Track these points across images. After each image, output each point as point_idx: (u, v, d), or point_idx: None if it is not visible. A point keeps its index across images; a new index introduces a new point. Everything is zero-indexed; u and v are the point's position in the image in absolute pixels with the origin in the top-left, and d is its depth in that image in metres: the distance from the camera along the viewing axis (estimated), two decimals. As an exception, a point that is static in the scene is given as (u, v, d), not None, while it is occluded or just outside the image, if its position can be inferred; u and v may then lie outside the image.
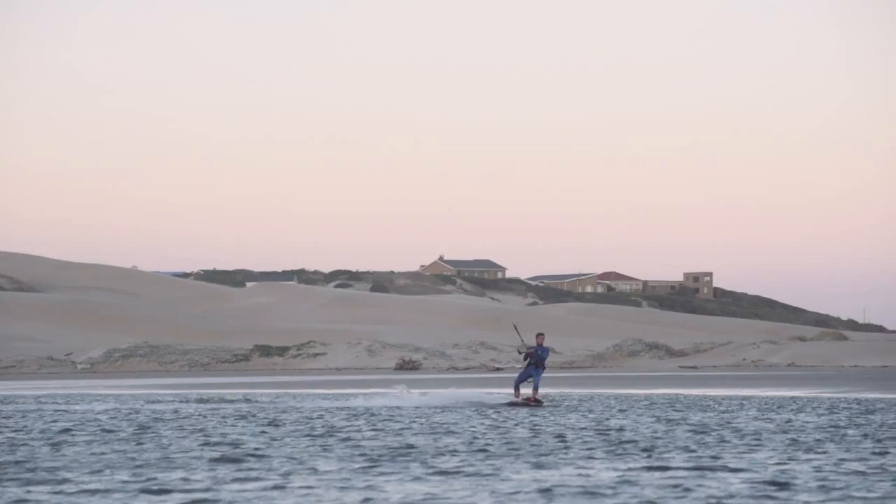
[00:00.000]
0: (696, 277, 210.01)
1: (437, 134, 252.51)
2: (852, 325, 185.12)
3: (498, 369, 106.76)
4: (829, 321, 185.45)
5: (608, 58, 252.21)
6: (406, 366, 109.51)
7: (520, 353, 37.95)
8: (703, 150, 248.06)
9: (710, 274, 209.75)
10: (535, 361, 37.12)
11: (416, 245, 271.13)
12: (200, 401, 42.06)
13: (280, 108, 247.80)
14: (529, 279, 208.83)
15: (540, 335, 37.92)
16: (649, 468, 18.35)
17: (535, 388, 37.18)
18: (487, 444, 22.40)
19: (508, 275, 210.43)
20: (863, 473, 17.73)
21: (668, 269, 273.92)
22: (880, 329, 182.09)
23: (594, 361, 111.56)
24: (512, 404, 36.96)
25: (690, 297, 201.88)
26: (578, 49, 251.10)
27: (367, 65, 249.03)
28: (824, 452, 20.78)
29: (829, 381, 65.41)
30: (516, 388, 37.57)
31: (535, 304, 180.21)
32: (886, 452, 20.85)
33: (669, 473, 17.70)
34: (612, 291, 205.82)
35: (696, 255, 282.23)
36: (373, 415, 32.38)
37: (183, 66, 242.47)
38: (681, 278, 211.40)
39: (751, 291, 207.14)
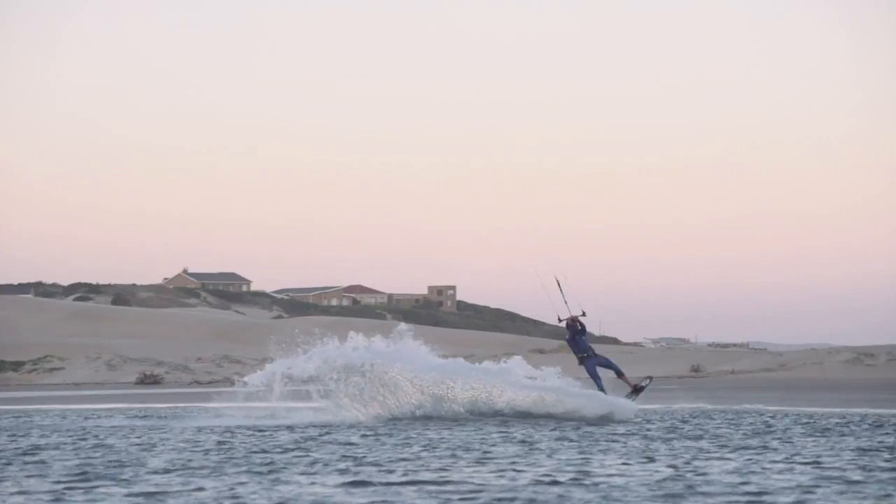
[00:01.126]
0: (440, 290, 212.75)
1: (176, 131, 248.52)
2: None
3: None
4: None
5: (367, 67, 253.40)
6: (147, 380, 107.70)
7: (560, 320, 31.50)
8: (447, 165, 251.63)
9: (453, 287, 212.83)
10: (581, 350, 30.37)
11: (160, 257, 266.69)
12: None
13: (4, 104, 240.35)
14: (275, 292, 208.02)
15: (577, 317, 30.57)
16: (353, 483, 18.47)
17: (620, 373, 30.55)
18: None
19: (254, 288, 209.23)
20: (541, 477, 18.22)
21: (412, 283, 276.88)
22: (615, 341, 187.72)
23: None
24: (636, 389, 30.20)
25: (434, 310, 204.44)
26: (317, 52, 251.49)
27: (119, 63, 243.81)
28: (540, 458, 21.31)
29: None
30: (595, 377, 30.96)
31: (280, 317, 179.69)
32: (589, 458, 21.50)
33: (380, 488, 17.84)
34: (358, 304, 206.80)
35: (440, 268, 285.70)
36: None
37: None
38: (425, 291, 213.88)
39: (493, 304, 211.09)
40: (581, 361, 30.77)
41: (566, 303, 29.93)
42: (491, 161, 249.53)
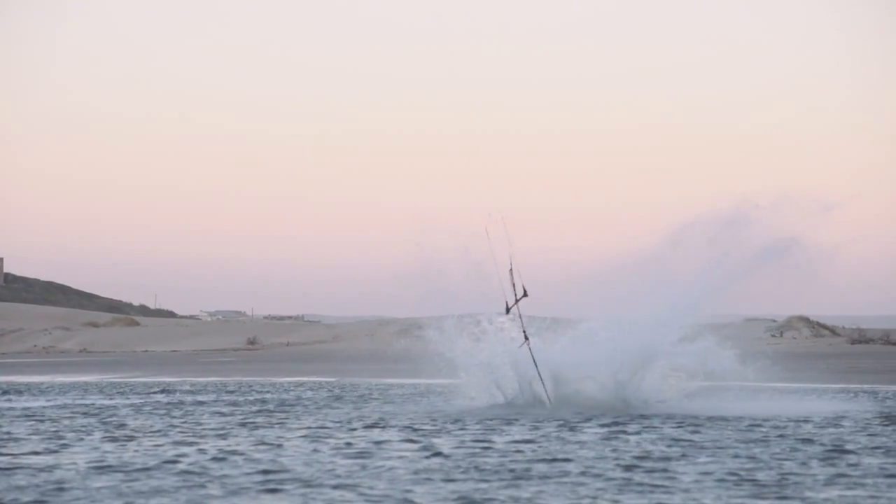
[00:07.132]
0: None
1: None
2: (144, 310, 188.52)
3: None
4: (122, 307, 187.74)
5: None
6: None
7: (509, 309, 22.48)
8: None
9: (0, 259, 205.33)
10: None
11: None
12: None
13: None
14: None
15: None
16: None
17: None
18: None
19: None
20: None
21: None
22: (171, 314, 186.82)
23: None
24: None
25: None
26: None
27: None
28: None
29: (120, 365, 66.98)
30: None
31: None
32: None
33: None
34: None
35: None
36: None
37: None
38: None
39: (44, 277, 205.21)
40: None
41: (514, 285, 22.64)
42: (46, 125, 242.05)
